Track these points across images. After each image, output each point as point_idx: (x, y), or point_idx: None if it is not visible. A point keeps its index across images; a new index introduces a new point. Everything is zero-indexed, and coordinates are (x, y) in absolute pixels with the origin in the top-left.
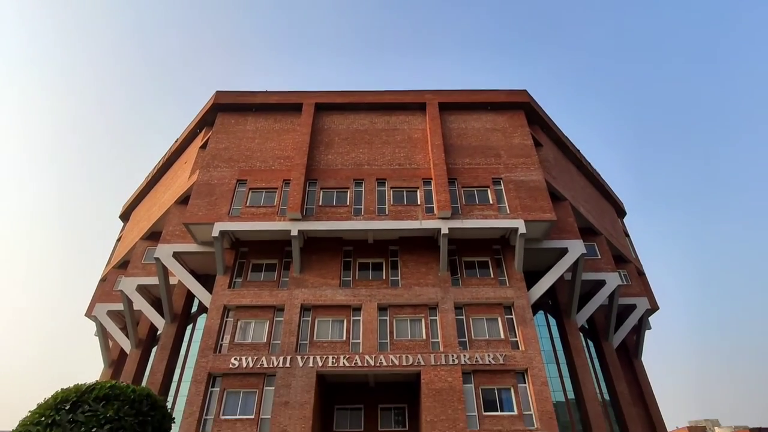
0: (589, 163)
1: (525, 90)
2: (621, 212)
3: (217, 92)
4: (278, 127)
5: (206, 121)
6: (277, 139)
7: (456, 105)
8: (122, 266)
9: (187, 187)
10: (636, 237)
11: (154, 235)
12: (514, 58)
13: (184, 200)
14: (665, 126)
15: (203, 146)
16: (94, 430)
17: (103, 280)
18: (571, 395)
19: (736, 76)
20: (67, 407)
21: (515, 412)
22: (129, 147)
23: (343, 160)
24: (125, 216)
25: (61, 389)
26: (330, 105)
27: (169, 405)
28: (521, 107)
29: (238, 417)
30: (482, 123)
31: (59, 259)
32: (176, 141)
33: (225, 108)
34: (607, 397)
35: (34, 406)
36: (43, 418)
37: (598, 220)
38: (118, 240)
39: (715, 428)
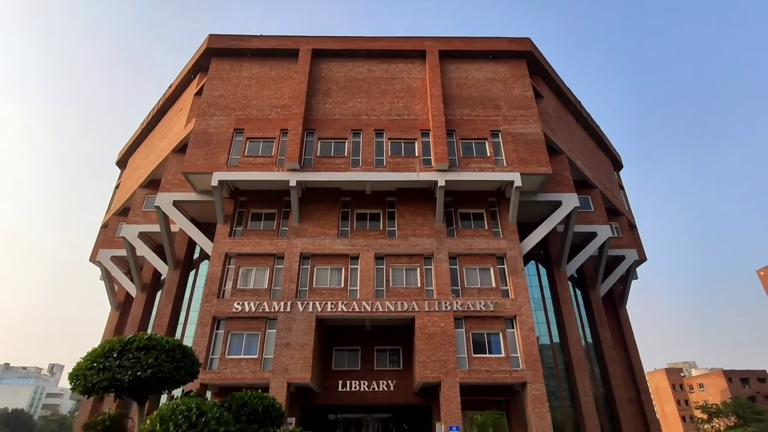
0: (589, 115)
1: (528, 38)
2: (618, 165)
3: (211, 36)
4: (274, 75)
5: (200, 66)
6: (274, 86)
7: (457, 53)
8: (122, 213)
9: (184, 135)
10: (633, 189)
11: (152, 183)
12: (518, 8)
13: (181, 149)
14: (672, 80)
15: (198, 93)
16: (138, 373)
17: (104, 226)
18: (557, 339)
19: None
20: (114, 355)
21: (503, 355)
22: (123, 91)
23: (341, 109)
24: (122, 163)
25: (107, 340)
26: (327, 51)
27: None
28: (523, 56)
29: (242, 356)
30: (483, 73)
31: (58, 205)
32: (170, 87)
33: (219, 53)
34: (590, 341)
35: (40, 344)
36: (95, 364)
37: (593, 173)
38: (117, 187)
39: (692, 370)
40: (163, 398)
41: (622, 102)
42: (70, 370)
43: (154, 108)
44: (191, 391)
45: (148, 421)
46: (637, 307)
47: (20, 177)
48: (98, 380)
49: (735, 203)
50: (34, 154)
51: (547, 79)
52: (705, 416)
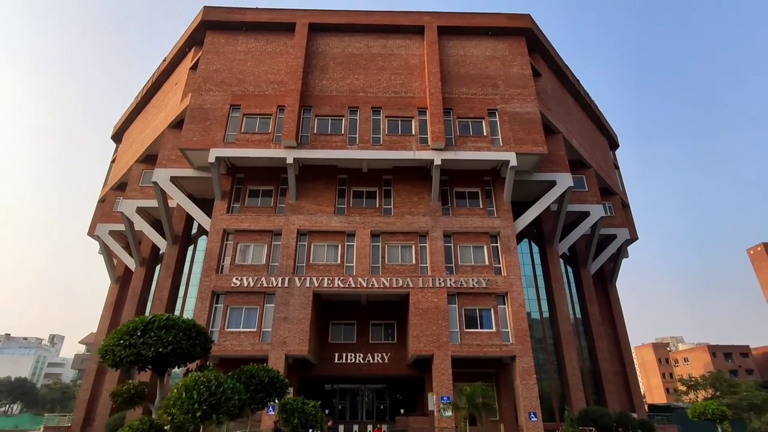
0: (587, 94)
1: (528, 15)
2: (614, 144)
3: (205, 8)
4: (270, 49)
5: (195, 39)
6: (270, 61)
7: (455, 29)
8: (119, 188)
9: (180, 111)
10: (630, 167)
11: (149, 158)
12: None
13: (177, 124)
14: (677, 54)
15: (193, 67)
16: (160, 349)
17: (101, 200)
18: (547, 315)
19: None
20: (138, 333)
21: (493, 330)
22: (117, 65)
23: (338, 86)
24: (117, 137)
25: (130, 320)
26: (324, 26)
27: None
28: (523, 33)
29: (241, 330)
30: (481, 50)
31: (54, 177)
32: (164, 60)
33: (214, 26)
34: (579, 316)
35: (39, 316)
36: (121, 341)
37: (589, 153)
38: (113, 161)
39: (679, 345)
40: (174, 371)
41: (623, 78)
42: (99, 347)
43: (148, 81)
44: (207, 364)
45: (174, 390)
46: (629, 284)
47: (14, 148)
48: (125, 355)
49: (734, 182)
50: (23, 124)
51: (546, 57)
52: (685, 388)
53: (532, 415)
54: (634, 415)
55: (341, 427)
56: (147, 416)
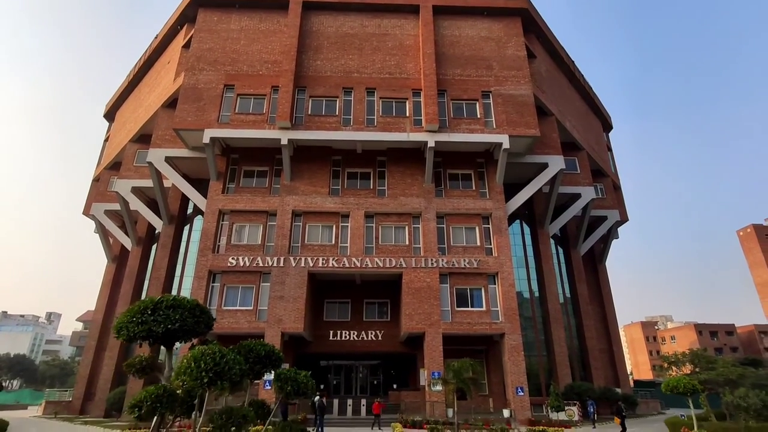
0: (582, 76)
1: None
2: (607, 126)
3: None
4: (264, 28)
5: (187, 16)
6: (264, 40)
7: (451, 9)
8: (113, 167)
9: (174, 90)
10: (625, 146)
11: (143, 138)
12: None
13: (171, 104)
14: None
15: (186, 45)
16: (169, 326)
17: (96, 179)
18: (537, 294)
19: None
20: (149, 312)
21: (484, 308)
22: (109, 41)
23: (332, 66)
24: (110, 115)
25: (140, 300)
26: (318, 4)
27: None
28: (518, 13)
29: (238, 308)
30: (477, 31)
31: (48, 154)
32: (156, 37)
33: (206, 3)
34: (569, 296)
35: (34, 294)
36: (134, 318)
37: (582, 135)
38: (106, 140)
39: (668, 323)
40: (177, 345)
41: (621, 54)
42: (114, 323)
43: (140, 59)
44: (207, 339)
45: (184, 360)
46: (623, 264)
47: (2, 125)
48: (138, 331)
49: (730, 164)
50: (13, 98)
51: (542, 38)
52: (666, 365)
53: (519, 390)
54: (618, 390)
55: (336, 401)
56: (159, 383)
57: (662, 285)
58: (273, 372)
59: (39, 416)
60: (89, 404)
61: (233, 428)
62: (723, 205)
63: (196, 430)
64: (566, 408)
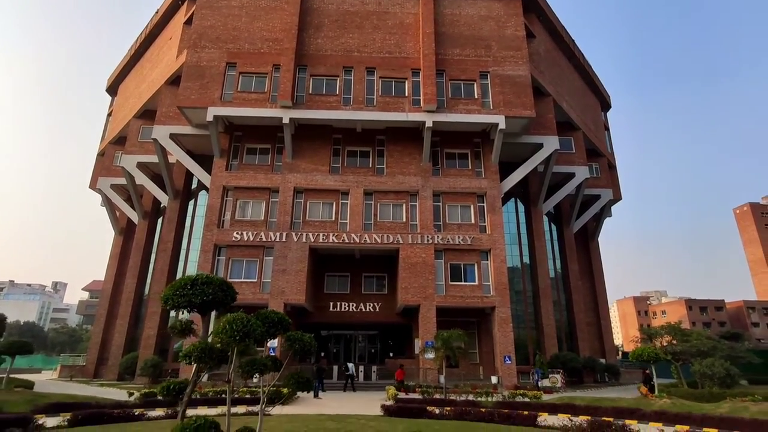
0: (582, 55)
1: None
2: (606, 105)
3: None
4: (264, 4)
5: None
6: (265, 18)
7: None
8: (118, 142)
9: (177, 68)
10: (625, 122)
11: (147, 113)
12: None
13: (174, 81)
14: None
15: (187, 22)
16: (204, 298)
17: (101, 154)
18: (529, 270)
19: None
20: (188, 287)
21: (476, 283)
22: (109, 14)
23: (332, 45)
24: (112, 90)
25: (180, 278)
26: None
27: (180, 268)
28: None
29: (243, 280)
30: (476, 9)
31: (49, 127)
32: (157, 12)
33: None
34: (560, 271)
35: (39, 263)
36: (177, 292)
37: (579, 115)
38: (109, 114)
39: (662, 298)
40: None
41: (622, 28)
42: (161, 295)
43: (141, 34)
44: (233, 308)
45: (221, 324)
46: (623, 241)
47: (12, 96)
48: (181, 302)
49: (730, 141)
50: (13, 74)
51: (542, 17)
52: (645, 336)
53: (507, 359)
54: (603, 360)
55: (335, 368)
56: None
57: (661, 262)
58: (275, 339)
59: (56, 379)
60: (102, 368)
61: (257, 373)
62: (728, 184)
63: (229, 373)
64: (550, 375)
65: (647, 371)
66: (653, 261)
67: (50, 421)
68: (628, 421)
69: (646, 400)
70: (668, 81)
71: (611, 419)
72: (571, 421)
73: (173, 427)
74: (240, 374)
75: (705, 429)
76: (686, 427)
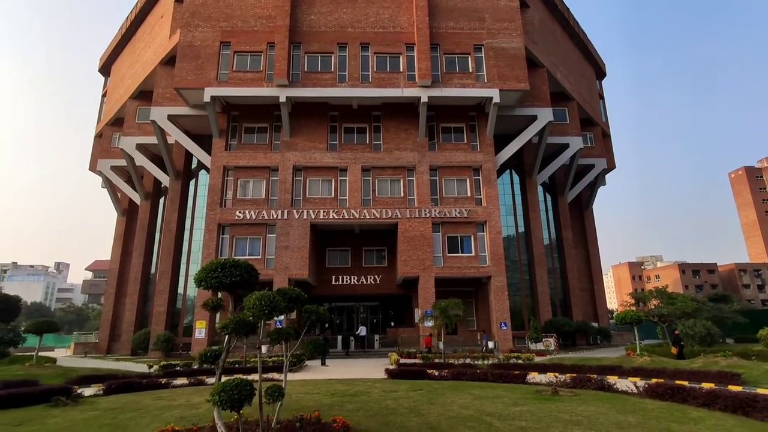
0: (577, 23)
1: None
2: (601, 74)
3: None
4: None
5: None
6: None
7: None
8: (115, 123)
9: (171, 48)
10: (621, 94)
11: (142, 94)
12: None
13: (168, 61)
14: None
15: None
16: (233, 279)
17: (98, 135)
18: (524, 239)
19: None
20: (219, 269)
21: (473, 254)
22: None
23: (326, 20)
24: (105, 70)
25: (211, 261)
26: None
27: (185, 248)
28: None
29: (247, 257)
30: None
31: (47, 106)
32: None
33: None
34: (554, 240)
35: (38, 242)
36: (209, 274)
37: (573, 85)
38: (104, 95)
39: (657, 263)
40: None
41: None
42: (194, 275)
43: (132, 12)
44: (258, 287)
45: (250, 300)
46: (621, 207)
47: (5, 79)
48: (213, 283)
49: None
50: (12, 54)
51: None
52: (634, 300)
53: (503, 325)
54: (595, 324)
55: (339, 338)
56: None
57: (658, 228)
58: (283, 315)
59: (71, 356)
60: (115, 345)
61: (282, 340)
62: (729, 148)
63: (259, 341)
64: (543, 339)
65: (677, 332)
66: (652, 228)
67: (86, 391)
68: (609, 377)
69: (628, 358)
70: (665, 43)
71: (594, 375)
72: (557, 378)
73: (215, 386)
74: (269, 342)
75: (676, 381)
76: (660, 380)
